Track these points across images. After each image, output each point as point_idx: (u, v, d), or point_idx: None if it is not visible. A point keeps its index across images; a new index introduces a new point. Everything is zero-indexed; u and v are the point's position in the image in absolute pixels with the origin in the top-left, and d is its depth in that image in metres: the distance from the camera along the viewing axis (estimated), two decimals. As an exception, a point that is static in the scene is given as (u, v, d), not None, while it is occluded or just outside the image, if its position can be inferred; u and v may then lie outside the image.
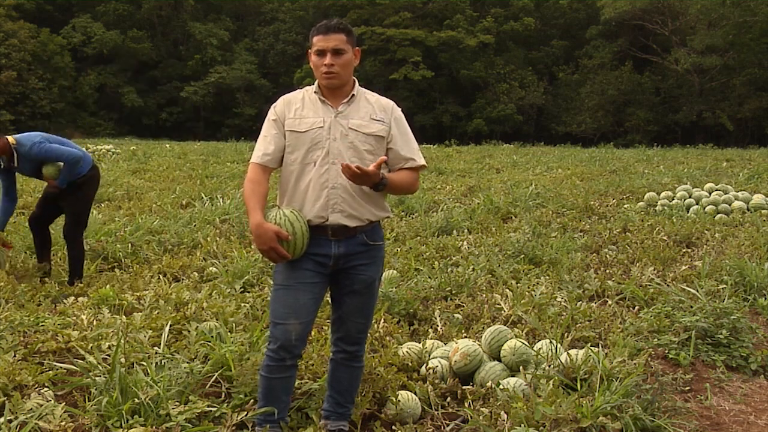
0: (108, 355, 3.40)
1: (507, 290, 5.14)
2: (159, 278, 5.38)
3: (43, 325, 4.10)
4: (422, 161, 2.83)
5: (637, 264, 6.25)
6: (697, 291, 4.80)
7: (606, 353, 3.70)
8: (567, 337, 4.03)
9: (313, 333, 3.48)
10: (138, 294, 4.77)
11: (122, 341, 3.30)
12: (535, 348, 3.63)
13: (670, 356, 3.98)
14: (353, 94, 2.78)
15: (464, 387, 3.40)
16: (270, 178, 2.82)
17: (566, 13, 48.96)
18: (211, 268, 5.83)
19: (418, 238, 7.54)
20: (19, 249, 6.55)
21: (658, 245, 7.10)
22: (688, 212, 9.80)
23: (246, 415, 2.81)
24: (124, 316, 4.13)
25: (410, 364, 3.62)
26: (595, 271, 5.96)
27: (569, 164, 19.27)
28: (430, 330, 4.30)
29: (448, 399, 3.31)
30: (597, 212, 9.57)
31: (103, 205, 9.89)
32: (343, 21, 2.81)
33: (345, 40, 2.72)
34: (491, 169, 18.06)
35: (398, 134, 2.80)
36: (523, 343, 3.62)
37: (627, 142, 39.09)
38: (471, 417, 3.01)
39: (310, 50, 2.78)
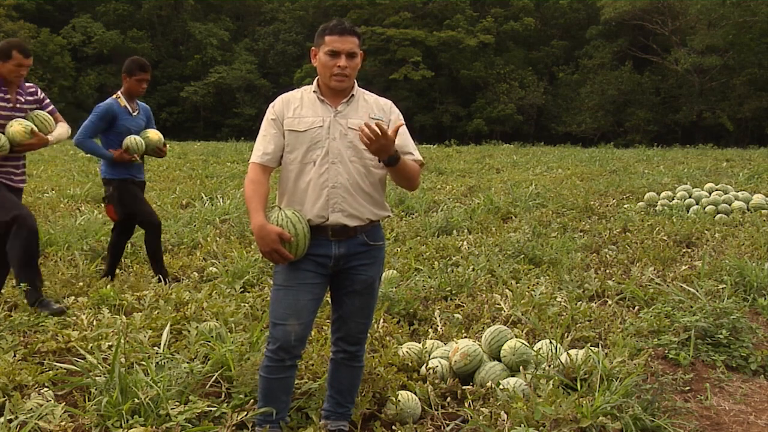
0: (108, 355, 3.40)
1: (507, 290, 5.14)
2: (159, 278, 5.37)
3: (43, 325, 4.10)
4: (420, 158, 2.84)
5: (637, 264, 6.25)
6: (697, 291, 4.80)
7: (606, 353, 3.70)
8: (567, 337, 4.03)
9: (313, 333, 3.48)
10: (138, 294, 4.77)
11: (122, 341, 3.30)
12: (535, 348, 3.63)
13: (670, 356, 3.98)
14: (353, 95, 2.79)
15: (464, 387, 3.40)
16: (270, 177, 2.82)
17: (566, 13, 48.93)
18: (211, 268, 5.83)
19: (418, 238, 7.54)
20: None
21: (658, 245, 7.10)
22: (688, 212, 9.80)
23: (246, 415, 2.81)
24: (124, 316, 4.13)
25: (410, 364, 3.62)
26: (595, 271, 5.95)
27: (569, 164, 19.27)
28: (430, 330, 4.30)
29: (448, 399, 3.31)
30: (597, 212, 9.57)
31: (102, 205, 9.87)
32: (354, 24, 2.80)
33: (357, 44, 2.73)
34: (491, 169, 18.05)
35: (399, 132, 2.80)
36: (523, 343, 3.62)
37: (627, 142, 39.07)
38: (471, 417, 3.01)
39: (316, 48, 2.76)
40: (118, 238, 5.49)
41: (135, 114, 5.24)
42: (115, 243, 5.50)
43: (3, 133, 4.31)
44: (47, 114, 4.59)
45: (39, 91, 4.66)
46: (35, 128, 4.40)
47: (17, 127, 4.34)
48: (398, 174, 2.74)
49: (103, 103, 5.19)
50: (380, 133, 2.53)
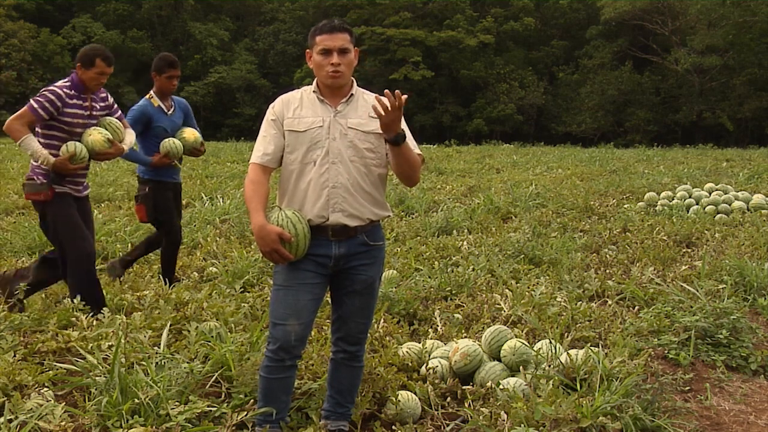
0: (108, 355, 3.40)
1: (507, 290, 5.14)
2: (159, 278, 5.37)
3: (43, 325, 4.09)
4: (420, 153, 2.83)
5: (637, 264, 6.24)
6: (697, 291, 4.79)
7: (606, 353, 3.70)
8: (567, 337, 4.03)
9: (313, 333, 3.49)
10: (138, 294, 4.77)
11: (122, 341, 3.30)
12: (535, 348, 3.63)
13: (670, 356, 3.98)
14: (352, 94, 2.79)
15: (464, 387, 3.40)
16: (270, 178, 2.82)
17: (566, 13, 48.92)
18: (211, 268, 5.83)
19: (418, 238, 7.54)
20: (18, 250, 6.56)
21: (658, 245, 7.10)
22: (688, 212, 9.80)
23: (246, 415, 2.81)
24: (124, 316, 4.13)
25: (410, 364, 3.62)
26: (595, 271, 5.95)
27: (569, 164, 19.26)
28: (430, 330, 4.30)
29: (448, 399, 3.31)
30: (597, 212, 9.57)
31: (103, 205, 9.89)
32: (344, 21, 2.81)
33: (349, 40, 2.73)
34: (491, 169, 18.05)
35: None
36: (523, 343, 3.62)
37: (627, 142, 39.08)
38: (471, 417, 3.01)
39: (309, 50, 2.77)
40: (162, 243, 5.34)
41: (170, 113, 5.10)
42: (153, 242, 5.37)
43: (80, 141, 4.21)
44: (117, 120, 4.48)
45: (109, 96, 4.53)
46: (111, 137, 4.30)
47: (97, 136, 4.23)
48: (402, 158, 2.71)
49: (136, 105, 5.05)
50: (396, 104, 2.53)
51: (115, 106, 4.57)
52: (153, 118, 4.97)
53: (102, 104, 4.43)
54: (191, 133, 5.14)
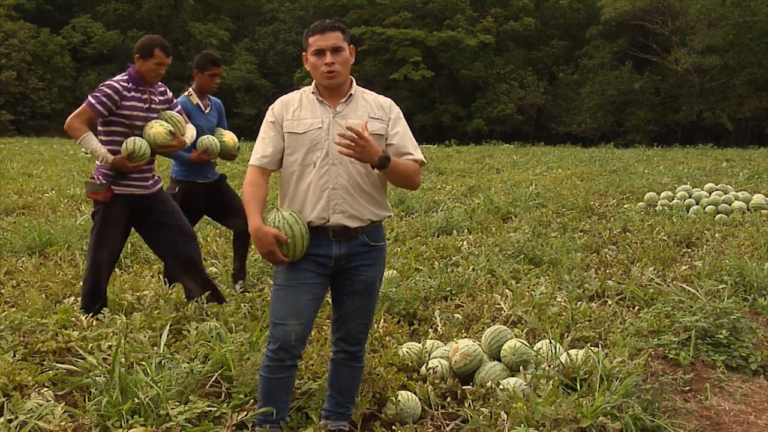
0: (108, 355, 3.40)
1: (507, 290, 5.14)
2: (159, 278, 5.37)
3: (45, 326, 4.10)
4: (421, 157, 2.81)
5: (637, 264, 6.25)
6: (697, 291, 4.79)
7: (606, 353, 3.70)
8: (567, 337, 4.03)
9: (313, 333, 3.49)
10: (138, 294, 4.77)
11: (122, 341, 3.30)
12: (535, 348, 3.63)
13: (670, 356, 3.98)
14: (351, 94, 2.78)
15: (464, 387, 3.41)
16: (270, 178, 2.82)
17: (566, 13, 48.92)
18: (211, 268, 5.82)
19: (418, 238, 7.54)
20: (18, 250, 6.56)
21: (658, 245, 7.10)
22: (688, 212, 9.80)
23: (246, 415, 2.82)
24: (124, 316, 4.13)
25: (410, 364, 3.62)
26: (595, 271, 5.95)
27: (569, 164, 19.26)
28: (430, 330, 4.30)
29: (448, 399, 3.31)
30: (597, 212, 9.57)
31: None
32: (337, 20, 2.81)
33: (342, 38, 2.72)
34: (491, 169, 18.04)
35: (397, 131, 2.80)
36: (523, 343, 3.62)
37: (627, 142, 39.07)
38: (471, 417, 3.01)
39: (305, 53, 2.77)
40: (236, 238, 5.35)
41: (207, 111, 5.01)
42: (241, 238, 5.30)
43: (141, 136, 4.13)
44: (178, 114, 4.39)
45: (168, 90, 4.44)
46: (173, 129, 4.21)
47: (159, 128, 4.14)
48: (394, 175, 2.72)
49: (176, 101, 4.95)
50: (356, 136, 2.53)
51: (175, 100, 4.49)
52: (192, 116, 4.83)
53: (161, 98, 4.34)
54: (231, 137, 5.04)
